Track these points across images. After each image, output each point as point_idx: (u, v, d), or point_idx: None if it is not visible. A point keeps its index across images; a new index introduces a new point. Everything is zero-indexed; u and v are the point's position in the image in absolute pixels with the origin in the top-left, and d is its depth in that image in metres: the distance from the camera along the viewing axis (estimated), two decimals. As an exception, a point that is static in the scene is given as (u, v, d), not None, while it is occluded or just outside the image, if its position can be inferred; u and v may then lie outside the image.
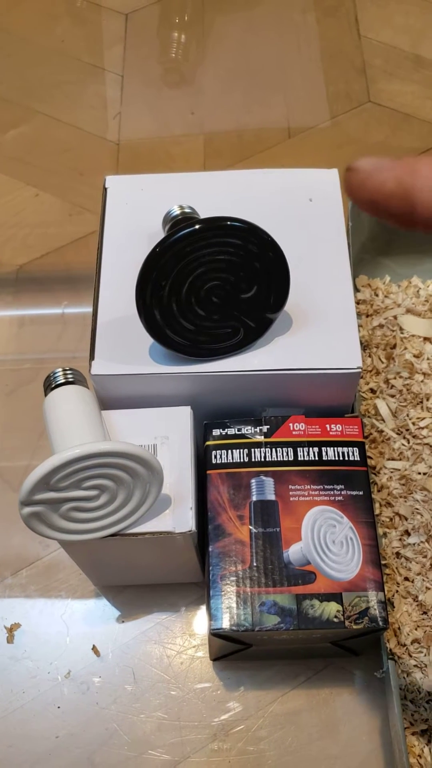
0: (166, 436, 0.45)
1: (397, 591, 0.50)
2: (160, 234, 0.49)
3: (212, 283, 0.43)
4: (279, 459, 0.46)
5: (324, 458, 0.46)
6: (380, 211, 0.23)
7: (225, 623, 0.42)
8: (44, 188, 0.76)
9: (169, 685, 0.51)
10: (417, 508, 0.52)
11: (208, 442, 0.47)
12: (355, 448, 0.47)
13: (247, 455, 0.46)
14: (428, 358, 0.58)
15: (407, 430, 0.55)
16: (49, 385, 0.45)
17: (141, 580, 0.54)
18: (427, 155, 0.23)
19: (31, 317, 0.68)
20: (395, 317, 0.60)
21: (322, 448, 0.47)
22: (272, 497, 0.45)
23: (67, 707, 0.51)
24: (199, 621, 0.54)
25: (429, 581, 0.49)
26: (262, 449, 0.47)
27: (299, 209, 0.52)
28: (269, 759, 0.49)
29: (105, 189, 0.53)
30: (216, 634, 0.43)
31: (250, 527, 0.44)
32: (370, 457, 0.54)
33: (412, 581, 0.50)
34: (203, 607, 0.54)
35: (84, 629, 0.53)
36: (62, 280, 0.70)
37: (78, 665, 0.52)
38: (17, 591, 0.55)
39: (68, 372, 0.46)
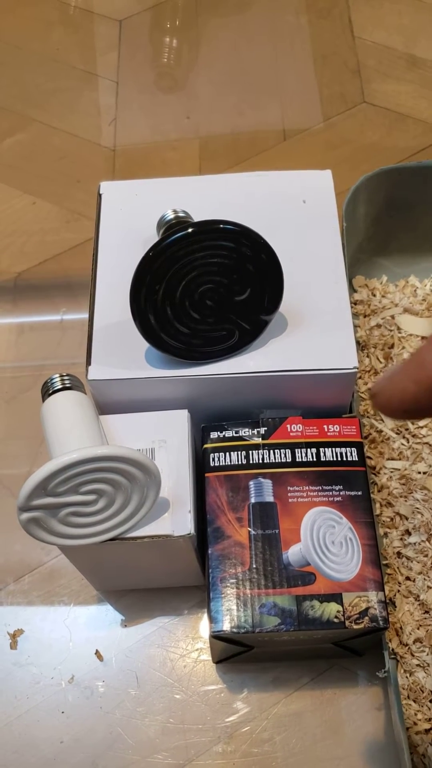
0: (164, 440, 0.46)
1: (398, 591, 0.50)
2: (154, 239, 0.49)
3: (206, 287, 0.43)
4: (277, 460, 0.46)
5: (322, 459, 0.46)
6: (421, 412, 0.23)
7: (225, 625, 0.42)
8: (41, 196, 0.76)
9: (172, 689, 0.51)
10: (417, 508, 0.52)
11: (206, 445, 0.47)
12: (353, 449, 0.47)
13: (245, 457, 0.47)
14: (426, 357, 0.58)
15: (406, 429, 0.55)
16: (47, 391, 0.45)
17: (142, 584, 0.54)
18: (425, 341, 0.23)
19: (30, 324, 0.68)
20: (393, 317, 0.60)
21: (320, 449, 0.47)
22: (271, 499, 0.45)
23: (71, 712, 0.51)
24: (202, 624, 0.54)
25: (430, 580, 0.49)
26: (260, 451, 0.47)
27: (293, 211, 0.52)
28: (274, 761, 0.49)
29: (99, 195, 0.53)
30: (217, 637, 0.43)
31: (249, 529, 0.44)
32: (370, 457, 0.54)
33: (414, 580, 0.50)
34: (206, 610, 0.54)
35: (87, 634, 0.53)
36: (60, 287, 0.70)
37: (81, 670, 0.52)
38: (20, 597, 0.55)
39: (65, 377, 0.46)
